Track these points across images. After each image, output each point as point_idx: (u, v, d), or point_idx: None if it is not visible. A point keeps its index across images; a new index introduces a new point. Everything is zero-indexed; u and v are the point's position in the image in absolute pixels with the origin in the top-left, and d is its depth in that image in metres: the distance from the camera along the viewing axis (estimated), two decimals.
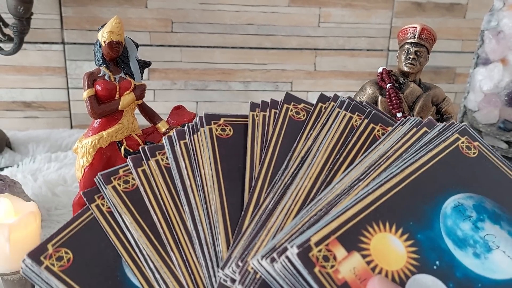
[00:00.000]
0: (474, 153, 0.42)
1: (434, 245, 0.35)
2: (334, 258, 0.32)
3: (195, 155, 0.41)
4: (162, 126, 0.61)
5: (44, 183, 0.72)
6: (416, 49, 0.59)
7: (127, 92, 0.57)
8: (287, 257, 0.31)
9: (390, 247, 0.34)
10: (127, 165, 0.41)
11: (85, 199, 0.40)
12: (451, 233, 0.36)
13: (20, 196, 0.60)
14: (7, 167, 0.79)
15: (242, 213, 0.37)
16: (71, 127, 0.99)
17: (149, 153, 0.41)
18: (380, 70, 0.60)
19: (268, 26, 0.98)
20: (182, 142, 0.42)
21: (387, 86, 0.59)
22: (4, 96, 0.95)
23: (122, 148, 0.58)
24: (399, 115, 0.58)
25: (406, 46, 0.59)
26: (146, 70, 0.69)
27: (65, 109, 0.98)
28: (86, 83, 0.55)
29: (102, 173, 0.40)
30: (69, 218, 0.66)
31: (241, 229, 0.36)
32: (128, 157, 0.41)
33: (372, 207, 0.35)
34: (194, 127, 0.43)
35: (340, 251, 0.32)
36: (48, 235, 0.62)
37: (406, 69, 0.59)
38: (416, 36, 0.59)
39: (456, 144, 0.42)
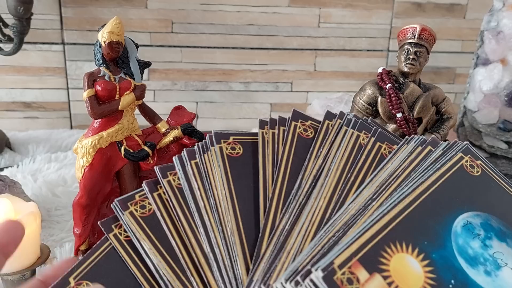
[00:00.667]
0: (477, 172, 0.43)
1: (448, 264, 0.36)
2: (357, 280, 0.32)
3: (207, 175, 0.41)
4: (162, 127, 0.61)
5: (44, 184, 0.73)
6: (416, 49, 0.59)
7: (127, 92, 0.57)
8: (311, 280, 0.32)
9: (408, 268, 0.34)
10: (143, 190, 0.40)
11: (102, 229, 0.40)
12: (463, 252, 0.37)
13: (20, 196, 0.60)
14: (7, 167, 0.80)
15: (260, 234, 0.37)
16: (71, 127, 0.99)
17: (161, 174, 0.40)
18: (380, 70, 0.60)
19: (269, 27, 0.98)
20: (193, 162, 0.41)
21: (387, 86, 0.59)
22: (4, 96, 0.95)
23: (122, 148, 0.58)
24: (399, 115, 0.58)
25: (406, 46, 0.59)
26: (146, 71, 0.69)
27: (65, 109, 0.98)
28: (86, 83, 0.55)
29: (118, 199, 0.39)
30: (69, 218, 0.66)
31: (260, 251, 0.36)
32: (144, 182, 0.40)
33: (389, 228, 0.36)
34: (204, 146, 0.43)
35: (362, 273, 0.33)
36: (48, 236, 0.63)
37: (406, 69, 0.59)
38: (416, 37, 0.59)
39: (460, 163, 0.43)
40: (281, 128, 0.45)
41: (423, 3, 1.01)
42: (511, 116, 0.78)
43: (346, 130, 0.46)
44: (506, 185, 0.44)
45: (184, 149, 0.42)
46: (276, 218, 0.38)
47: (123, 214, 0.38)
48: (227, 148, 0.43)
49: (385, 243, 0.35)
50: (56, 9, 0.91)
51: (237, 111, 1.03)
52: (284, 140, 0.44)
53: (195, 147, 0.43)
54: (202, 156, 0.42)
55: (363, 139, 0.45)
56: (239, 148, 0.43)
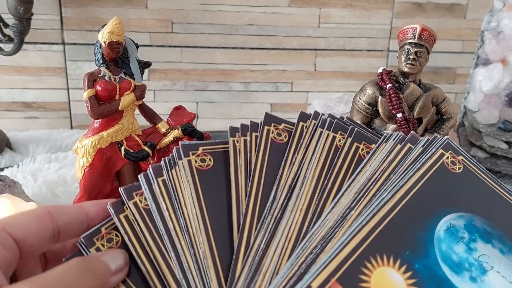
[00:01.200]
0: (459, 168, 0.41)
1: (432, 274, 0.34)
2: None
3: (176, 193, 0.37)
4: (162, 127, 0.61)
5: (44, 184, 0.72)
6: (416, 49, 0.59)
7: (127, 92, 0.57)
8: None
9: (390, 282, 0.33)
10: (110, 220, 0.36)
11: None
12: (447, 258, 0.36)
13: (20, 196, 0.60)
14: (7, 167, 0.79)
15: (234, 256, 0.34)
16: (71, 127, 0.99)
17: (126, 195, 0.37)
18: (380, 70, 0.60)
19: (268, 27, 0.98)
20: (160, 179, 0.38)
21: (387, 86, 0.59)
22: (4, 96, 0.95)
23: (122, 149, 0.58)
24: (399, 115, 0.58)
25: (406, 46, 0.59)
26: (146, 71, 0.69)
27: (65, 109, 0.98)
28: (86, 83, 0.55)
29: (84, 236, 0.35)
30: None
31: (234, 275, 0.33)
32: (109, 203, 0.37)
33: (368, 240, 0.34)
34: (172, 161, 0.39)
35: None
36: None
37: (406, 69, 0.59)
38: (416, 37, 0.59)
39: (441, 160, 0.41)
40: (254, 134, 0.42)
41: (423, 3, 1.01)
42: (511, 116, 0.78)
43: (321, 132, 0.42)
44: (490, 180, 0.42)
45: (150, 166, 0.39)
46: (251, 236, 0.35)
47: (90, 252, 0.35)
48: (196, 161, 0.39)
49: (365, 257, 0.33)
50: (56, 9, 0.91)
51: (237, 111, 1.03)
52: (257, 147, 0.41)
53: (162, 162, 0.39)
54: (170, 172, 0.38)
55: (339, 141, 0.42)
56: (210, 160, 0.40)
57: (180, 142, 0.40)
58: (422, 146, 0.42)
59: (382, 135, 0.43)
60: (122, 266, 0.34)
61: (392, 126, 0.59)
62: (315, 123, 0.44)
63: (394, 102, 0.58)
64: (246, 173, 0.39)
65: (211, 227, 0.36)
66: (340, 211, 0.37)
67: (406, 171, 0.40)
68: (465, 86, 0.84)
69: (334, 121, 0.44)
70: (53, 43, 0.93)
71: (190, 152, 0.40)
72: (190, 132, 0.61)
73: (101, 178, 0.58)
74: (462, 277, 0.35)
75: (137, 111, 0.61)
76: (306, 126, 0.43)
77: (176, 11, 0.94)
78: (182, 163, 0.39)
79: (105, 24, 0.56)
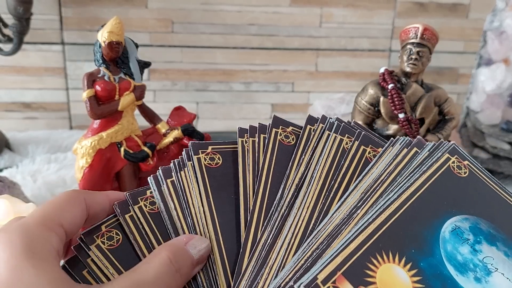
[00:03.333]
0: (465, 173, 0.42)
1: (437, 272, 0.35)
2: None
3: (184, 193, 0.39)
4: (162, 127, 0.60)
5: (43, 184, 0.72)
6: (418, 49, 0.58)
7: (127, 92, 0.57)
8: None
9: (396, 279, 0.34)
10: (109, 220, 0.37)
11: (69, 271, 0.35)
12: (452, 258, 0.36)
13: (20, 197, 0.59)
14: (6, 168, 0.79)
15: (241, 250, 0.35)
16: (71, 128, 0.99)
17: (131, 200, 0.38)
18: (382, 70, 0.60)
19: (269, 26, 0.98)
20: (169, 181, 0.40)
21: (389, 86, 0.58)
22: (4, 97, 0.95)
23: (122, 149, 0.57)
24: (401, 115, 0.57)
25: (408, 46, 0.59)
26: (146, 71, 0.69)
27: (65, 110, 0.97)
28: (85, 83, 0.55)
29: (84, 232, 0.36)
30: None
31: (241, 268, 0.35)
32: (114, 203, 0.37)
33: (374, 237, 0.35)
34: (181, 163, 0.41)
35: None
36: None
37: (408, 69, 0.58)
38: (418, 36, 0.58)
39: (447, 164, 0.42)
40: (262, 135, 0.44)
41: (425, 2, 1.00)
42: None
43: (329, 135, 0.44)
44: (495, 185, 0.42)
45: (160, 168, 0.40)
46: (257, 232, 0.37)
47: (90, 250, 0.35)
48: (205, 159, 0.41)
49: (371, 253, 0.34)
50: (56, 9, 0.91)
51: (238, 112, 1.03)
52: (265, 148, 0.43)
53: (171, 164, 0.41)
54: (179, 174, 0.40)
55: (347, 143, 0.43)
56: (219, 158, 0.42)
57: (190, 142, 0.42)
58: (428, 150, 0.43)
59: (384, 136, 0.44)
60: (204, 259, 0.35)
61: (394, 127, 0.59)
62: (322, 126, 0.45)
63: (396, 102, 0.57)
64: (254, 172, 0.41)
65: (218, 222, 0.37)
66: (347, 210, 0.38)
67: (412, 174, 0.41)
68: (468, 86, 0.84)
69: (342, 125, 0.45)
70: (52, 43, 0.93)
71: (200, 151, 0.42)
72: (190, 132, 0.60)
73: (100, 179, 0.57)
74: (467, 277, 0.35)
75: (137, 112, 0.60)
76: (313, 129, 0.45)
77: (177, 11, 0.94)
78: (191, 162, 0.41)
79: (105, 24, 0.56)
